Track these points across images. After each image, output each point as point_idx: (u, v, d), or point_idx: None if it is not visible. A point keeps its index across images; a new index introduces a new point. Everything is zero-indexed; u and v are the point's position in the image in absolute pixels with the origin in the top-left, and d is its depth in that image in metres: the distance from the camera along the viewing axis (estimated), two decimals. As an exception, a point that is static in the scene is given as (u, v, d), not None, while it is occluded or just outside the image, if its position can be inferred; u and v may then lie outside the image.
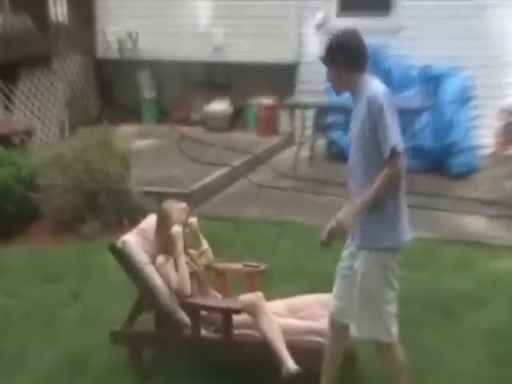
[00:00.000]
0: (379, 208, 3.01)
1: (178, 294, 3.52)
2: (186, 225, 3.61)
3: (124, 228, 5.25)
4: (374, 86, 3.04)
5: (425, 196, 6.51)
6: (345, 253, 3.22)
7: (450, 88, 7.37)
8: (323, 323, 3.41)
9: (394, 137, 2.94)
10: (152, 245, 3.64)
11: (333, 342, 3.23)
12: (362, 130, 3.01)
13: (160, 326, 3.68)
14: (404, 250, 3.13)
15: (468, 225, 5.95)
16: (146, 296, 3.60)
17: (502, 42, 7.81)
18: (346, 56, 3.03)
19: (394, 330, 3.08)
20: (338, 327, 3.22)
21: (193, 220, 3.70)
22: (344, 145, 7.85)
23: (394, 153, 2.93)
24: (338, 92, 3.16)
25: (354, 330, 3.10)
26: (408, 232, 3.12)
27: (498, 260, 5.12)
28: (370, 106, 2.97)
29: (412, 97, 7.81)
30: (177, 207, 3.64)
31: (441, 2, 8.02)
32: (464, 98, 7.56)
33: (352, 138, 3.14)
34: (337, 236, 3.11)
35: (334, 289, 3.23)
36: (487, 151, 7.73)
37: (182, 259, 3.53)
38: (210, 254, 3.80)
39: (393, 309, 3.07)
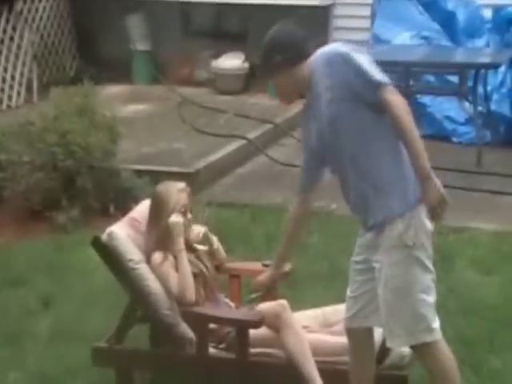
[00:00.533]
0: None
1: (180, 301, 3.54)
2: (186, 211, 3.62)
3: (110, 217, 5.29)
4: (319, 53, 3.13)
5: (498, 177, 6.47)
6: (359, 243, 3.30)
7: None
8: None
9: (376, 72, 3.01)
10: (146, 238, 3.67)
11: (358, 360, 3.25)
12: (337, 102, 3.03)
13: (156, 342, 3.71)
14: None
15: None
16: (139, 304, 3.63)
17: None
18: (284, 51, 3.16)
19: (437, 324, 3.11)
20: (360, 337, 3.24)
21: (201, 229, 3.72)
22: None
23: (383, 85, 2.98)
24: (290, 101, 3.36)
25: (388, 341, 3.13)
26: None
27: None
28: (331, 65, 3.04)
29: (483, 48, 7.76)
30: (174, 189, 3.65)
31: None
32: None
33: (324, 148, 3.22)
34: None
35: (348, 289, 3.28)
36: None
37: (184, 257, 3.55)
38: (221, 251, 3.82)
39: (431, 298, 3.10)
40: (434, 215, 3.05)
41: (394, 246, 3.06)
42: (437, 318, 3.12)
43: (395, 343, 3.14)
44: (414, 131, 2.95)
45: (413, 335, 3.07)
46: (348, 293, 3.28)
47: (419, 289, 3.06)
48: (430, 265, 3.11)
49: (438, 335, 3.10)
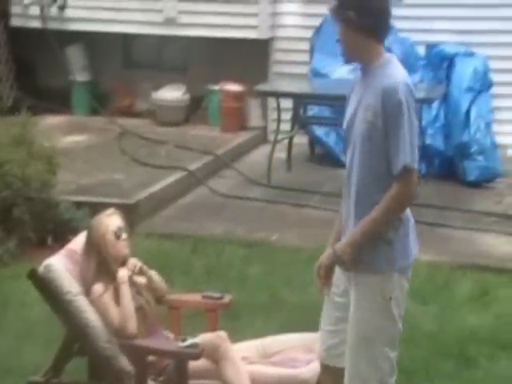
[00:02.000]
0: (382, 235, 3.01)
1: (121, 333, 3.51)
2: (119, 232, 3.61)
3: (48, 249, 5.22)
4: (395, 70, 3.01)
5: (434, 209, 6.61)
6: (337, 274, 3.20)
7: (466, 72, 7.51)
8: (306, 370, 3.42)
9: (409, 150, 2.93)
10: (84, 270, 3.63)
11: None
12: (370, 127, 2.98)
13: (95, 375, 3.65)
14: (410, 272, 3.16)
15: (487, 246, 6.06)
16: (77, 336, 3.58)
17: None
18: (363, 11, 2.97)
19: (393, 380, 3.10)
20: (331, 374, 3.19)
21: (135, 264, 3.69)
22: (331, 144, 7.94)
23: (405, 171, 2.94)
24: (349, 60, 3.14)
25: (345, 378, 3.10)
26: (416, 245, 3.14)
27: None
28: (385, 100, 2.94)
29: (417, 83, 7.94)
30: (103, 215, 3.64)
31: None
32: (483, 86, 7.71)
33: (351, 133, 3.09)
34: (332, 270, 3.10)
35: (323, 321, 3.22)
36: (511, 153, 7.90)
37: (126, 289, 3.53)
38: (160, 282, 3.80)
39: (394, 353, 3.09)
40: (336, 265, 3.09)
41: (371, 293, 3.02)
42: (395, 374, 3.09)
43: (347, 381, 3.07)
44: (387, 215, 2.94)
45: (366, 381, 3.03)
46: (323, 325, 3.20)
47: (384, 341, 3.03)
48: (400, 322, 3.07)
49: None
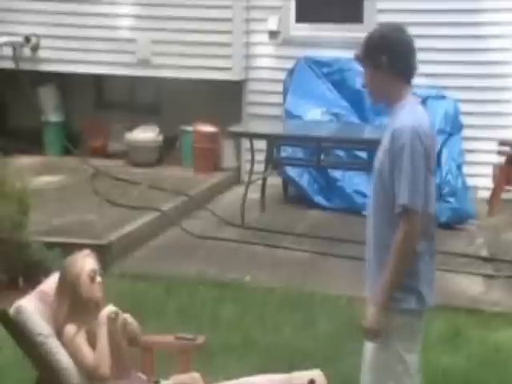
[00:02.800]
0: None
1: (92, 375, 3.49)
2: (94, 274, 3.61)
3: (19, 290, 5.18)
4: (406, 113, 3.12)
5: (406, 250, 6.66)
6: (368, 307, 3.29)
7: (437, 115, 7.63)
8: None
9: (409, 191, 3.03)
10: (56, 311, 3.62)
11: None
12: (382, 167, 3.12)
13: (66, 418, 3.62)
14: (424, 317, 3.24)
15: (460, 286, 6.11)
16: (48, 379, 3.55)
17: (502, 56, 8.14)
18: (390, 54, 3.12)
19: None
20: None
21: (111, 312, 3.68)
22: (304, 185, 8.00)
23: (405, 211, 3.04)
24: (376, 101, 3.29)
25: None
26: (434, 292, 3.23)
27: (497, 332, 5.27)
28: (391, 142, 3.08)
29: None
30: (78, 256, 3.65)
31: (423, 4, 8.33)
32: (454, 128, 7.85)
33: (374, 171, 3.24)
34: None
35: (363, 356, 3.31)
36: (483, 194, 8.00)
37: (104, 331, 3.51)
38: (133, 324, 3.79)
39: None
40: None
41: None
42: None
43: None
44: (398, 264, 3.05)
45: None
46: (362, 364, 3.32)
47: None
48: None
49: None
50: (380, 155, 3.15)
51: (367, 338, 3.18)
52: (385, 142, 3.14)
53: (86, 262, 3.62)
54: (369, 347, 3.20)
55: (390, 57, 3.13)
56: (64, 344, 3.52)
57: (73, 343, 3.51)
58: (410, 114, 3.13)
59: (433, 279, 3.23)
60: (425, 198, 3.09)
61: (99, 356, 3.47)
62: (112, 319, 3.58)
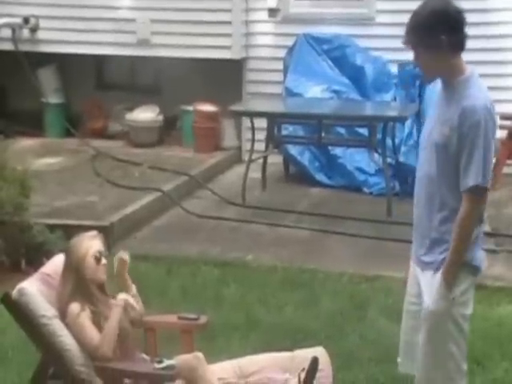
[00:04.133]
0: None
1: (94, 355, 3.51)
2: (100, 256, 3.62)
3: (21, 272, 5.20)
4: (476, 90, 3.10)
5: (407, 226, 6.64)
6: (410, 281, 3.37)
7: (438, 90, 7.60)
8: (283, 390, 3.44)
9: (483, 170, 3.07)
10: (60, 291, 3.63)
11: None
12: (446, 140, 3.11)
13: (70, 399, 3.64)
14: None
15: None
16: (52, 360, 3.57)
17: (504, 30, 8.08)
18: (448, 31, 3.05)
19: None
20: None
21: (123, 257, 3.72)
22: (305, 163, 7.99)
23: (477, 189, 3.08)
24: (431, 79, 3.26)
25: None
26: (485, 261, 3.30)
27: (500, 307, 5.29)
28: (462, 120, 3.06)
29: (390, 102, 8.04)
30: (85, 237, 3.66)
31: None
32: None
33: (425, 141, 3.23)
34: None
35: (401, 331, 3.37)
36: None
37: (117, 314, 3.52)
38: (139, 303, 3.81)
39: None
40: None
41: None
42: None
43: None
44: (463, 238, 3.12)
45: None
46: (400, 335, 3.38)
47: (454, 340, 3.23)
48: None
49: None
50: (443, 130, 3.11)
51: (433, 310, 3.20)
52: (450, 118, 3.09)
53: (92, 244, 3.63)
54: (427, 322, 3.22)
55: (448, 34, 3.06)
56: (67, 324, 3.54)
57: (76, 321, 3.52)
58: (480, 92, 3.12)
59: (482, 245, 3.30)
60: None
61: (105, 336, 3.49)
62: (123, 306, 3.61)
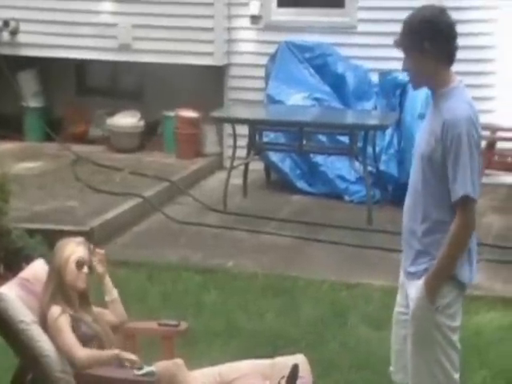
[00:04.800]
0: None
1: (72, 362, 3.49)
2: (82, 263, 3.60)
3: (0, 278, 5.16)
4: (458, 102, 3.13)
5: (388, 234, 6.69)
6: (400, 292, 3.39)
7: (418, 99, 7.64)
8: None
9: (470, 181, 3.09)
10: (39, 299, 3.61)
11: None
12: (432, 151, 3.14)
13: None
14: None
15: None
16: (30, 366, 3.55)
17: (484, 41, 8.16)
18: (435, 39, 3.10)
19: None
20: None
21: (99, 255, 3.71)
22: (287, 170, 8.01)
23: (465, 201, 3.10)
24: (417, 86, 3.29)
25: None
26: (476, 270, 3.33)
27: (478, 315, 5.32)
28: (445, 132, 3.09)
29: (371, 110, 8.08)
30: (70, 241, 3.65)
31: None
32: (435, 113, 7.86)
33: (417, 150, 3.26)
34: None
35: (391, 342, 3.39)
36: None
37: (112, 356, 3.52)
38: (119, 306, 3.79)
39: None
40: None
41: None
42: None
43: None
44: (454, 250, 3.15)
45: None
46: (391, 344, 3.39)
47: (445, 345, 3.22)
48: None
49: None
50: (430, 141, 3.14)
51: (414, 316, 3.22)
52: (435, 129, 3.13)
53: (76, 250, 3.62)
54: (412, 330, 3.25)
55: (434, 41, 3.11)
56: (47, 328, 3.52)
57: (55, 324, 3.50)
58: (463, 103, 3.15)
59: (474, 259, 3.32)
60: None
61: (93, 357, 3.48)
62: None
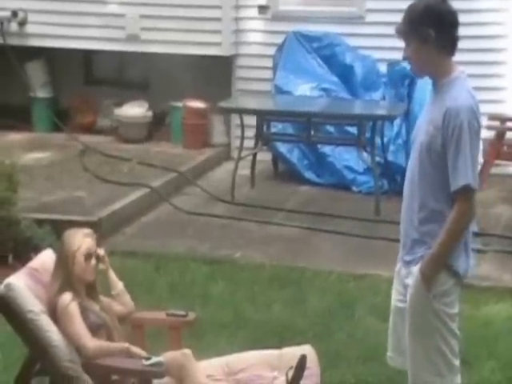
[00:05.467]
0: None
1: (80, 352, 3.50)
2: (90, 255, 3.61)
3: (9, 267, 5.18)
4: (460, 92, 3.13)
5: (396, 225, 6.66)
6: (396, 279, 3.40)
7: (426, 90, 7.56)
8: (270, 387, 3.45)
9: (471, 171, 3.09)
10: (51, 283, 3.62)
11: None
12: (431, 140, 3.14)
13: (57, 395, 3.63)
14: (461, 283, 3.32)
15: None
16: (39, 356, 3.56)
17: (495, 30, 8.11)
18: (437, 27, 3.10)
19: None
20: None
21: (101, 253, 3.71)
22: (294, 160, 8.00)
23: (465, 190, 3.10)
24: (419, 74, 3.30)
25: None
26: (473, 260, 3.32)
27: (487, 306, 5.31)
28: (446, 121, 3.09)
29: (379, 101, 8.05)
30: (79, 232, 3.66)
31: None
32: (443, 103, 7.83)
33: (415, 139, 3.26)
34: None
35: (389, 328, 3.39)
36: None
37: (121, 348, 3.53)
38: (126, 298, 3.80)
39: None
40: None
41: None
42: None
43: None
44: (452, 237, 3.13)
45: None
46: (389, 332, 3.41)
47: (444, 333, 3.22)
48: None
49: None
50: (429, 130, 3.15)
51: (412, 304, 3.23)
52: (435, 118, 3.13)
53: (85, 241, 3.62)
54: (409, 317, 3.25)
55: (437, 29, 3.10)
56: (56, 317, 3.52)
57: (66, 311, 3.51)
58: (464, 92, 3.15)
59: (470, 249, 3.30)
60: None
61: (101, 348, 3.48)
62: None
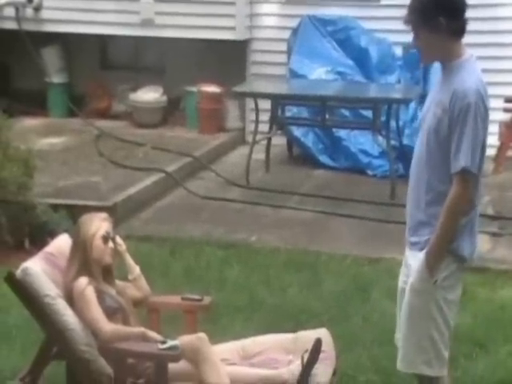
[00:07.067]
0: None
1: (97, 335, 3.51)
2: (107, 239, 3.62)
3: (25, 252, 5.20)
4: (469, 75, 3.11)
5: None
6: (404, 260, 3.38)
7: (439, 73, 7.57)
8: (287, 371, 3.43)
9: (470, 154, 3.07)
10: (67, 268, 3.63)
11: None
12: (438, 122, 3.12)
13: (73, 378, 3.64)
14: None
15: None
16: (55, 339, 3.57)
17: (506, 12, 8.04)
18: (448, 14, 3.07)
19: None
20: None
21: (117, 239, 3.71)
22: (309, 144, 7.97)
23: (463, 173, 3.08)
24: (429, 61, 3.29)
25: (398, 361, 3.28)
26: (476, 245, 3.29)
27: (503, 290, 5.28)
28: (453, 102, 3.07)
29: (395, 84, 8.00)
30: (96, 217, 3.66)
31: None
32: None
33: (423, 122, 3.24)
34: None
35: (397, 309, 3.38)
36: (489, 152, 7.92)
37: (138, 333, 3.52)
38: (143, 282, 3.80)
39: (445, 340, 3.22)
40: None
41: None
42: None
43: (400, 363, 3.29)
44: (449, 221, 3.11)
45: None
46: (397, 314, 3.39)
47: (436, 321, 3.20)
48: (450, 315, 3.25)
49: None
50: (437, 112, 3.13)
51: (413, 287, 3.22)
52: (443, 100, 3.11)
53: (102, 225, 3.63)
54: (408, 300, 3.25)
55: (448, 16, 3.08)
56: (73, 301, 3.53)
57: (83, 295, 3.52)
58: (473, 75, 3.12)
59: (476, 233, 3.28)
60: (480, 160, 3.13)
61: (118, 332, 3.49)
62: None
